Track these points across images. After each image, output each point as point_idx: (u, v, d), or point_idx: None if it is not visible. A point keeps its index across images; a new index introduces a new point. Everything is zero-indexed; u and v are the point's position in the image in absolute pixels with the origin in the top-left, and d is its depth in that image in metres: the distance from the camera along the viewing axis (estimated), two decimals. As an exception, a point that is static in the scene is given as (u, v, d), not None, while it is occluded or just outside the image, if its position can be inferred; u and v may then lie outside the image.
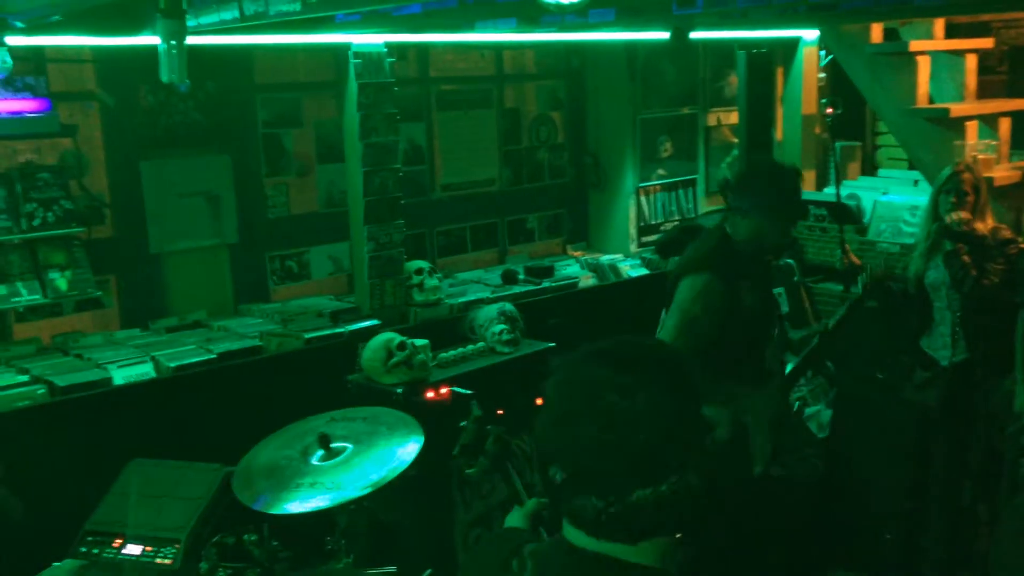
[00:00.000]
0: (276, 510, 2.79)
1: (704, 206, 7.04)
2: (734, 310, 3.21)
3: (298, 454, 3.06)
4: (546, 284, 5.63)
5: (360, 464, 2.99)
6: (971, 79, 5.53)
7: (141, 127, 4.93)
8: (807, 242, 5.75)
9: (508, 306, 4.68)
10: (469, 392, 3.75)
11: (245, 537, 3.20)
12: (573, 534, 1.47)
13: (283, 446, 3.16)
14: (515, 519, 1.88)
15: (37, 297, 4.43)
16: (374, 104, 4.94)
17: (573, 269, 6.06)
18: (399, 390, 3.95)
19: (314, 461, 3.03)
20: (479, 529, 3.88)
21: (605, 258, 6.23)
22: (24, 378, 3.90)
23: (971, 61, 5.52)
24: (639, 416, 1.37)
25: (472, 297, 5.29)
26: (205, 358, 4.18)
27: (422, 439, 3.04)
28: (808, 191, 5.82)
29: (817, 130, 6.46)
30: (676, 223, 6.71)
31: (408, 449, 3.02)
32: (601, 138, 6.67)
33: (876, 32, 5.48)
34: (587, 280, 5.92)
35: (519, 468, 2.80)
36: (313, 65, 5.43)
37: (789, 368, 3.63)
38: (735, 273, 3.24)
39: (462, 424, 3.15)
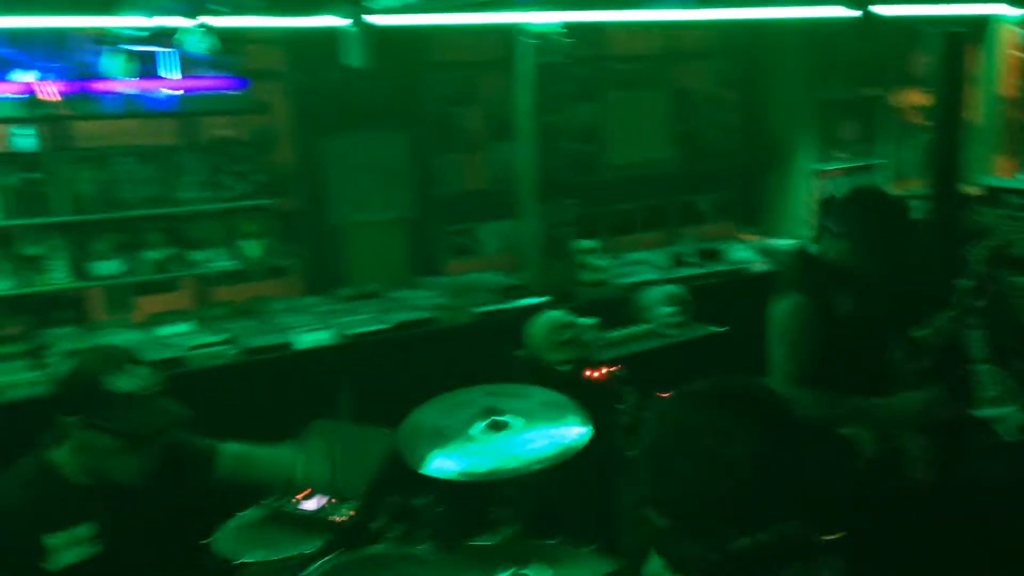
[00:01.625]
0: (443, 475, 2.88)
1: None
2: (833, 323, 3.10)
3: (462, 423, 3.14)
4: (717, 268, 5.54)
5: (524, 440, 3.04)
6: None
7: (326, 105, 5.16)
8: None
9: (676, 288, 4.64)
10: (624, 375, 3.75)
11: (415, 500, 3.33)
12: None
13: (448, 415, 3.24)
14: None
15: (232, 263, 4.74)
16: (547, 83, 4.98)
17: (745, 253, 5.94)
18: (565, 367, 3.99)
19: (478, 432, 3.10)
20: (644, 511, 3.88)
21: (779, 242, 6.07)
22: (218, 338, 4.17)
23: None
24: (735, 461, 1.33)
25: (640, 278, 5.27)
26: (380, 327, 4.35)
27: (587, 426, 3.05)
28: (1002, 178, 5.48)
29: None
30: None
31: (571, 433, 3.05)
32: (777, 119, 6.47)
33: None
34: (760, 265, 5.79)
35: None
36: (487, 44, 5.51)
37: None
38: (823, 287, 3.14)
39: (620, 407, 3.18)
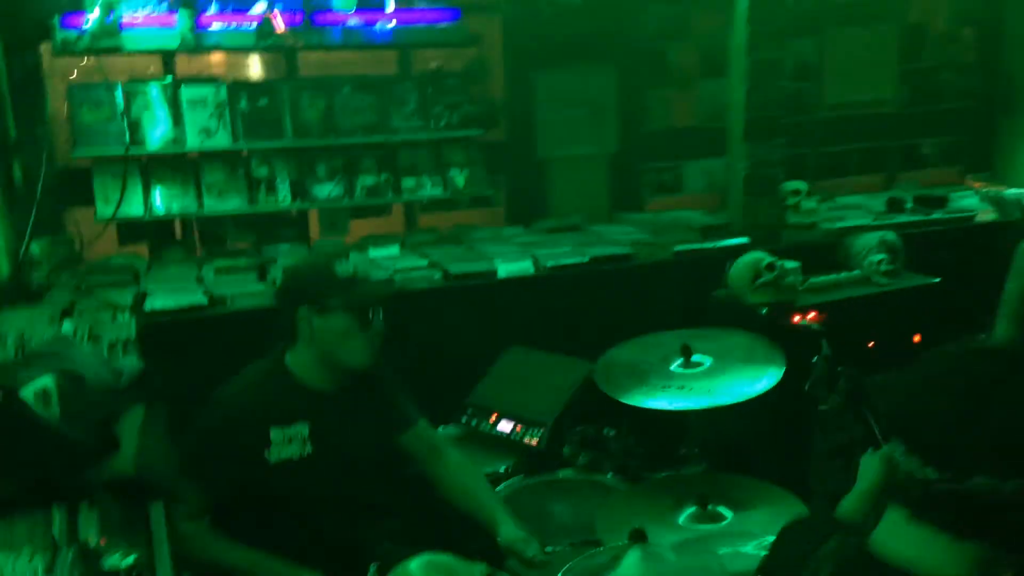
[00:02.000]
0: (641, 404, 2.92)
1: None
2: None
3: (658, 360, 3.15)
4: (937, 215, 5.21)
5: (720, 380, 3.03)
6: None
7: (536, 38, 5.19)
8: None
9: (890, 235, 4.40)
10: (827, 322, 3.63)
11: (604, 431, 3.40)
12: (882, 538, 1.40)
13: (643, 351, 3.26)
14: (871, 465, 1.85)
15: (439, 191, 4.92)
16: (763, 18, 4.79)
17: (970, 201, 5.54)
18: (763, 310, 3.90)
19: (674, 368, 3.10)
20: (840, 461, 3.78)
21: (1011, 192, 5.62)
22: (424, 263, 4.35)
23: None
24: (1009, 398, 1.27)
25: (851, 223, 5.04)
26: (578, 260, 4.39)
27: (780, 373, 2.99)
28: None
29: None
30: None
31: (765, 377, 3.00)
32: (1015, 58, 5.95)
33: None
34: (986, 215, 5.39)
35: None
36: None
37: None
38: None
39: (814, 359, 3.09)
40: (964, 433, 1.29)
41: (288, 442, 2.73)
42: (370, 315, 2.77)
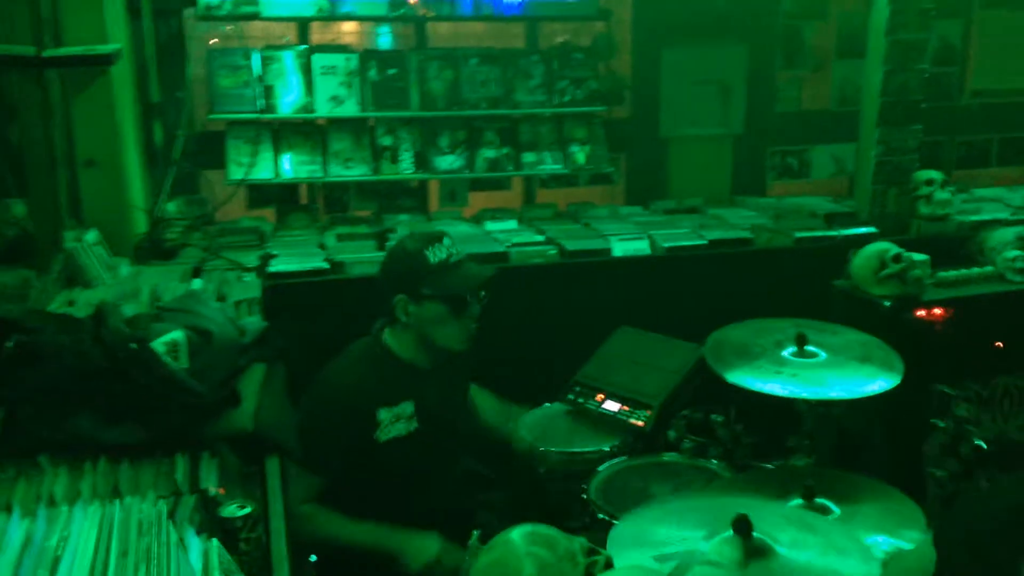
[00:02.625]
0: (748, 385, 2.87)
1: None
2: None
3: (771, 345, 3.09)
4: (1082, 213, 4.93)
5: (834, 374, 2.95)
6: None
7: (667, 14, 5.11)
8: None
9: (1029, 231, 4.20)
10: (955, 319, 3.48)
11: (712, 416, 3.36)
12: None
13: (756, 334, 3.20)
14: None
15: (559, 167, 4.92)
16: (906, -2, 4.60)
17: (1120, 199, 5.22)
18: (886, 303, 3.78)
19: (786, 354, 3.04)
20: (951, 460, 3.65)
21: None
22: (540, 238, 4.37)
23: None
24: None
25: (988, 216, 4.82)
26: (696, 243, 4.34)
27: (897, 379, 2.89)
28: None
29: None
30: None
31: (880, 382, 2.91)
32: None
33: None
34: None
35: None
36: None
37: None
38: None
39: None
40: None
41: (395, 421, 2.81)
42: (467, 301, 2.79)
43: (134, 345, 2.20)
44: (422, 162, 4.83)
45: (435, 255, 2.78)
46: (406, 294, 2.79)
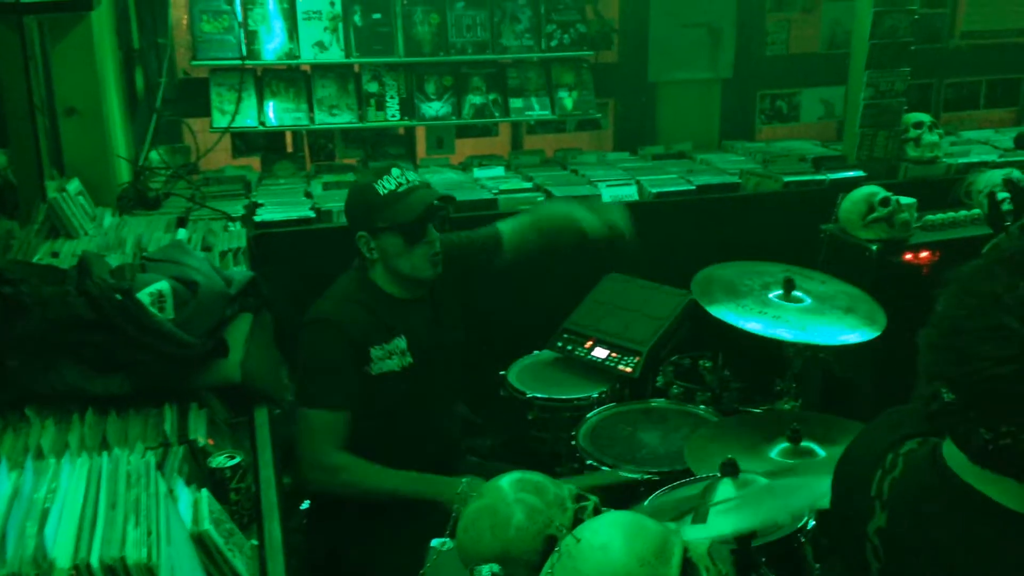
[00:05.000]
0: (732, 321, 2.89)
1: None
2: None
3: (758, 286, 3.10)
4: (1070, 154, 4.92)
5: (817, 320, 2.97)
6: None
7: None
8: None
9: (1016, 172, 4.19)
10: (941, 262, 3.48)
11: (700, 362, 3.38)
12: (951, 452, 1.34)
13: (745, 275, 3.21)
14: None
15: (546, 113, 4.86)
16: (898, -63, 4.54)
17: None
18: (874, 247, 3.79)
19: (772, 297, 3.05)
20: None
21: None
22: (528, 184, 4.34)
23: None
24: None
25: (975, 159, 4.81)
26: (684, 188, 4.32)
27: (878, 332, 2.90)
28: None
29: None
30: None
31: (859, 334, 2.92)
32: None
33: None
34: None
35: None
36: None
37: None
38: None
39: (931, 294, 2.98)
40: (1001, 385, 1.21)
41: (388, 357, 2.80)
42: (420, 227, 2.77)
43: (119, 296, 2.19)
44: (408, 109, 4.78)
45: (384, 187, 2.75)
46: (365, 230, 2.79)
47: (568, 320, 3.59)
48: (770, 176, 4.50)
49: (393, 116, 4.75)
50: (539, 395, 3.23)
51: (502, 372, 3.42)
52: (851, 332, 2.87)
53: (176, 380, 2.20)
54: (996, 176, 4.18)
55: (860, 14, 4.67)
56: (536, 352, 3.58)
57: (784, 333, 2.84)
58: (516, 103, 4.88)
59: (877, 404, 3.58)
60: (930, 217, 4.02)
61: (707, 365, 3.35)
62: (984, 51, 5.54)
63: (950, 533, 1.32)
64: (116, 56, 4.09)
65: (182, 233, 3.43)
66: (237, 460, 1.93)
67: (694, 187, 4.34)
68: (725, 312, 2.91)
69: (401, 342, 2.83)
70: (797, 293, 3.03)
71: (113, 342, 2.15)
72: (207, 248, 3.27)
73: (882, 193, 3.81)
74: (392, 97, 4.75)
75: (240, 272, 2.78)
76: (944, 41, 5.49)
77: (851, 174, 4.55)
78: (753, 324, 2.85)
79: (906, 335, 3.02)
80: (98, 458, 1.72)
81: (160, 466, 1.83)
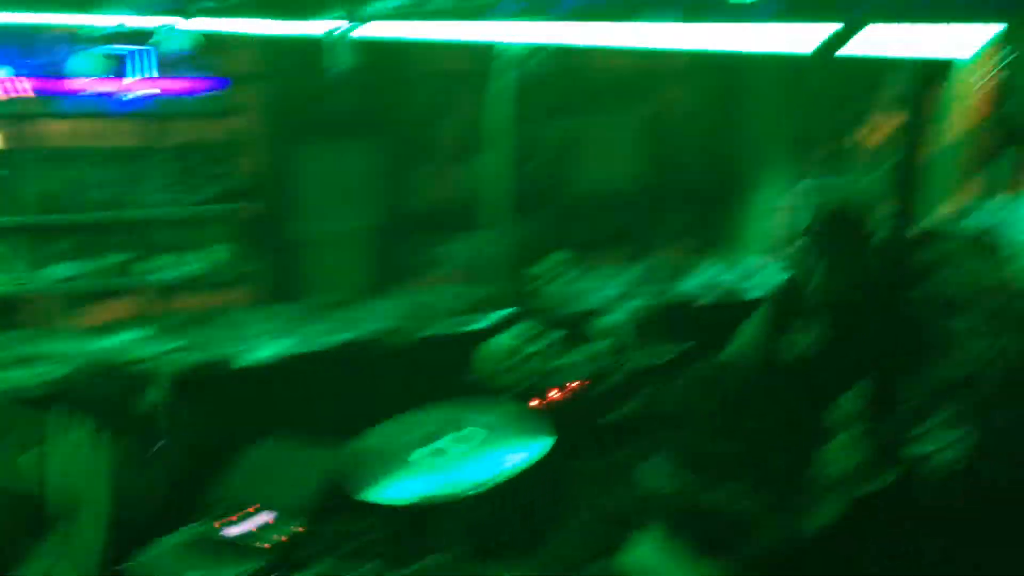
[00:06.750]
0: (377, 496, 2.87)
1: None
2: None
3: (404, 448, 3.11)
4: (679, 290, 5.44)
5: (472, 462, 3.02)
6: None
7: (298, 111, 5.11)
8: None
9: (640, 307, 4.60)
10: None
11: (354, 525, 3.31)
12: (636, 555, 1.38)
13: (401, 432, 3.22)
14: None
15: (192, 269, 4.68)
16: (530, 99, 4.90)
17: (705, 278, 5.82)
18: (521, 387, 3.95)
19: (422, 456, 3.08)
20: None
21: (750, 264, 5.97)
22: (171, 345, 4.13)
23: None
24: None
25: (604, 296, 5.22)
26: (329, 344, 4.31)
27: (541, 447, 3.01)
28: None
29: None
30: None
31: (522, 455, 3.02)
32: (744, 145, 6.35)
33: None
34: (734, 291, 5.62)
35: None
36: (463, 56, 5.44)
37: None
38: None
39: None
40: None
41: None
42: None
43: None
44: (34, 272, 4.41)
45: None
46: None
47: (211, 494, 3.38)
48: (410, 329, 4.56)
49: (14, 280, 4.36)
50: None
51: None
52: (515, 455, 2.95)
53: None
54: (623, 312, 4.54)
55: (497, 167, 4.93)
56: (183, 528, 3.32)
57: (439, 489, 2.86)
58: (160, 261, 4.68)
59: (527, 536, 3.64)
60: (568, 354, 4.25)
61: (361, 526, 3.29)
62: (605, 198, 6.06)
63: None
64: None
65: None
66: None
67: (349, 338, 4.33)
68: (371, 489, 2.89)
69: None
70: (453, 438, 3.08)
71: None
72: None
73: (515, 341, 3.98)
74: (16, 259, 4.38)
75: None
76: (573, 189, 5.97)
77: (494, 317, 4.73)
78: (395, 492, 2.84)
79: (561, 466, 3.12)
80: None
81: None
